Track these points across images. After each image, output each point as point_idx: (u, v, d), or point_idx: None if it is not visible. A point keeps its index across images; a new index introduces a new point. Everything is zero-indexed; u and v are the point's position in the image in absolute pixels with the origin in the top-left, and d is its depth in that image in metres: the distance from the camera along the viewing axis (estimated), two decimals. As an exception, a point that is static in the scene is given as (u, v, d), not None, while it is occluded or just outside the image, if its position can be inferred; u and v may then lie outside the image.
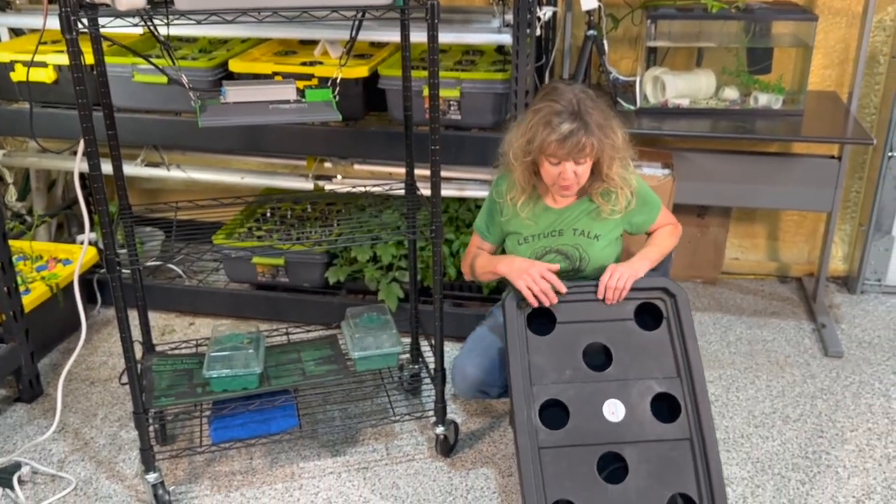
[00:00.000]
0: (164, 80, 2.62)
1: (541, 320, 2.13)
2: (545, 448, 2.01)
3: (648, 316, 2.14)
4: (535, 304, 2.09)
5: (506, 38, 2.57)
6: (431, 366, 2.43)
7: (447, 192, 2.83)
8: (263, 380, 2.31)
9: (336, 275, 3.01)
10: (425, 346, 2.65)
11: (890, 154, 3.08)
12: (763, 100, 2.89)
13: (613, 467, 2.02)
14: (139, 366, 2.23)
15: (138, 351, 2.38)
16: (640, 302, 2.13)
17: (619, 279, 2.09)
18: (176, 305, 3.24)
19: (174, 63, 2.18)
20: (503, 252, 2.33)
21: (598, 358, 2.11)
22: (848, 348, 2.97)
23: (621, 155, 2.09)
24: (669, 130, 2.88)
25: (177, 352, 2.54)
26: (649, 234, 2.28)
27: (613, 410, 2.04)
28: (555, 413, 2.05)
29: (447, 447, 2.45)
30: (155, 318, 3.11)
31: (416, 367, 2.68)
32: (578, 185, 2.11)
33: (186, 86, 2.12)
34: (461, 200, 3.07)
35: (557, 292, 2.10)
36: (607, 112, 2.06)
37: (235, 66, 2.74)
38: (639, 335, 2.11)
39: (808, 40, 2.84)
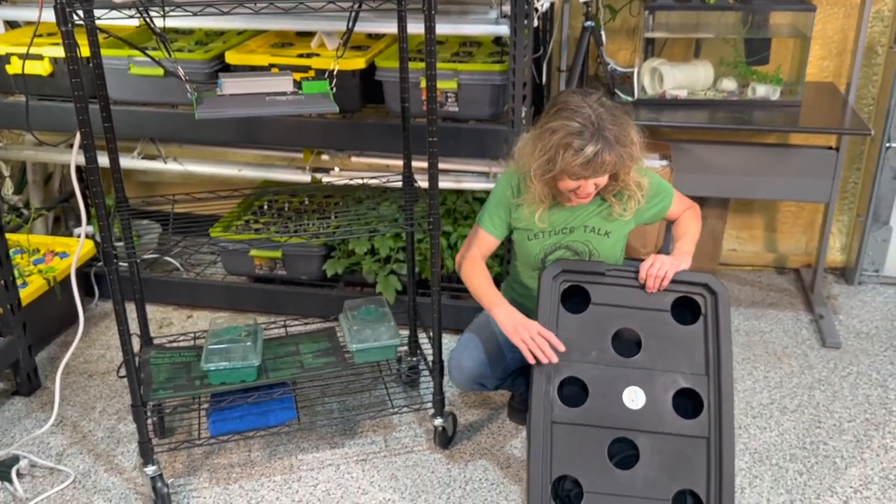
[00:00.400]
0: (161, 72, 2.60)
1: (576, 299, 2.11)
2: (558, 423, 2.01)
3: (687, 310, 2.10)
4: (533, 362, 2.04)
5: (503, 30, 2.56)
6: (429, 358, 2.43)
7: (445, 184, 2.82)
8: (261, 372, 2.31)
9: (334, 267, 3.01)
10: (423, 339, 2.65)
11: (887, 145, 3.08)
12: (761, 91, 2.89)
13: (625, 454, 2.01)
14: (137, 359, 2.23)
15: (136, 344, 2.39)
16: (678, 295, 2.10)
17: (661, 268, 2.07)
18: (173, 298, 3.24)
19: (170, 55, 2.17)
20: (502, 243, 2.31)
21: (630, 349, 2.08)
22: (845, 339, 2.97)
23: (638, 161, 2.08)
24: (667, 122, 2.88)
25: (175, 345, 2.54)
26: (670, 222, 2.28)
27: (634, 398, 2.02)
28: (574, 392, 2.04)
29: (445, 439, 2.46)
30: (152, 311, 3.10)
31: (415, 359, 2.68)
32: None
33: (183, 78, 2.11)
34: (459, 192, 3.06)
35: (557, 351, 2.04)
36: (624, 121, 2.02)
37: (232, 58, 2.73)
38: (673, 328, 2.08)
39: (806, 31, 2.83)
